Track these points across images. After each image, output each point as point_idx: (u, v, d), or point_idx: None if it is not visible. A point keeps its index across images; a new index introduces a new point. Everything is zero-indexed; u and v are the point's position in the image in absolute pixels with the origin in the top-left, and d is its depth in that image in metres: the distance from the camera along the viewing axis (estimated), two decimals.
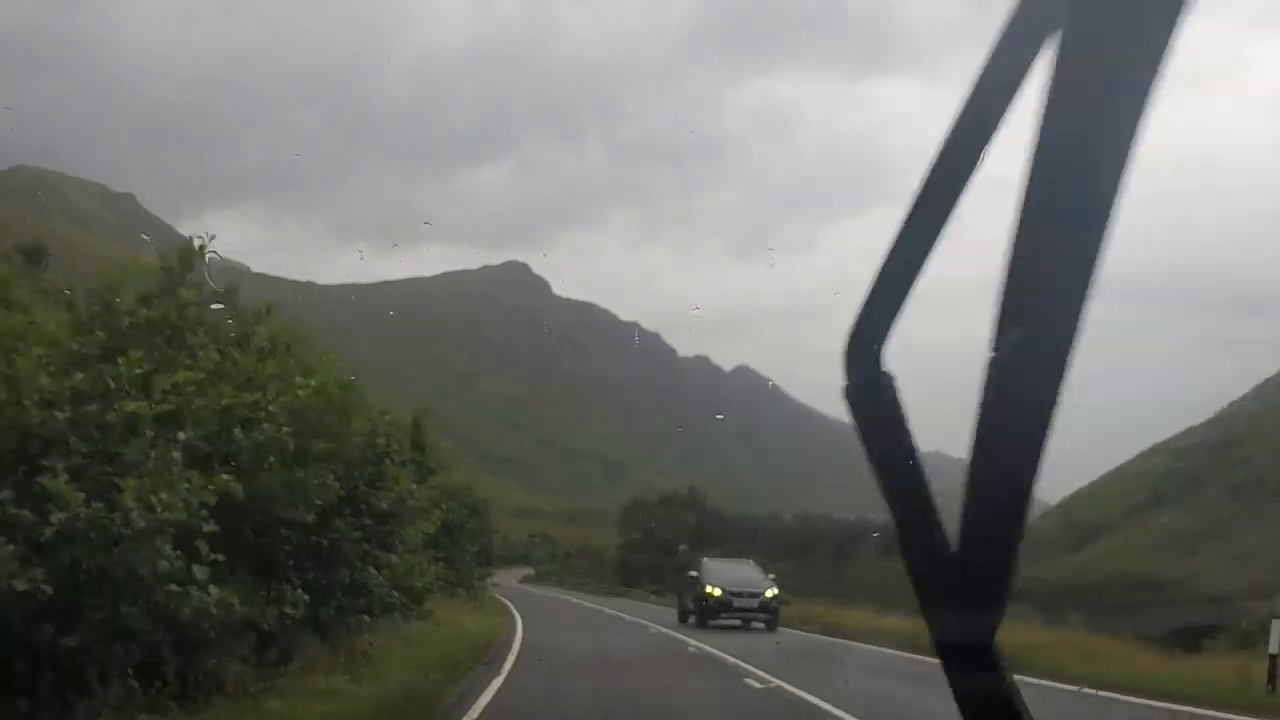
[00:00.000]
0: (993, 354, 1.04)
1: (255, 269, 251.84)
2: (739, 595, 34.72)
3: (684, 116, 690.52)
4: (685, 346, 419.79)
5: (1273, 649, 17.16)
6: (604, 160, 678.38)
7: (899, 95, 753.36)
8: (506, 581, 77.38)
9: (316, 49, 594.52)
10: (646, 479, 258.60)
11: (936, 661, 1.17)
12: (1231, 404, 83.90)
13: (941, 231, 1.27)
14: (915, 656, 20.81)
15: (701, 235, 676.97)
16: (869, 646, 28.14)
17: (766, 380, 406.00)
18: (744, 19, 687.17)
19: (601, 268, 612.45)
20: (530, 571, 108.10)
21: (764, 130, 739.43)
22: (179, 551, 9.87)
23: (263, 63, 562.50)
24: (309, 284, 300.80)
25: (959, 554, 1.12)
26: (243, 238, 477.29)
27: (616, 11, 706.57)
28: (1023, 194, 0.99)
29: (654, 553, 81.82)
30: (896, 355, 1.40)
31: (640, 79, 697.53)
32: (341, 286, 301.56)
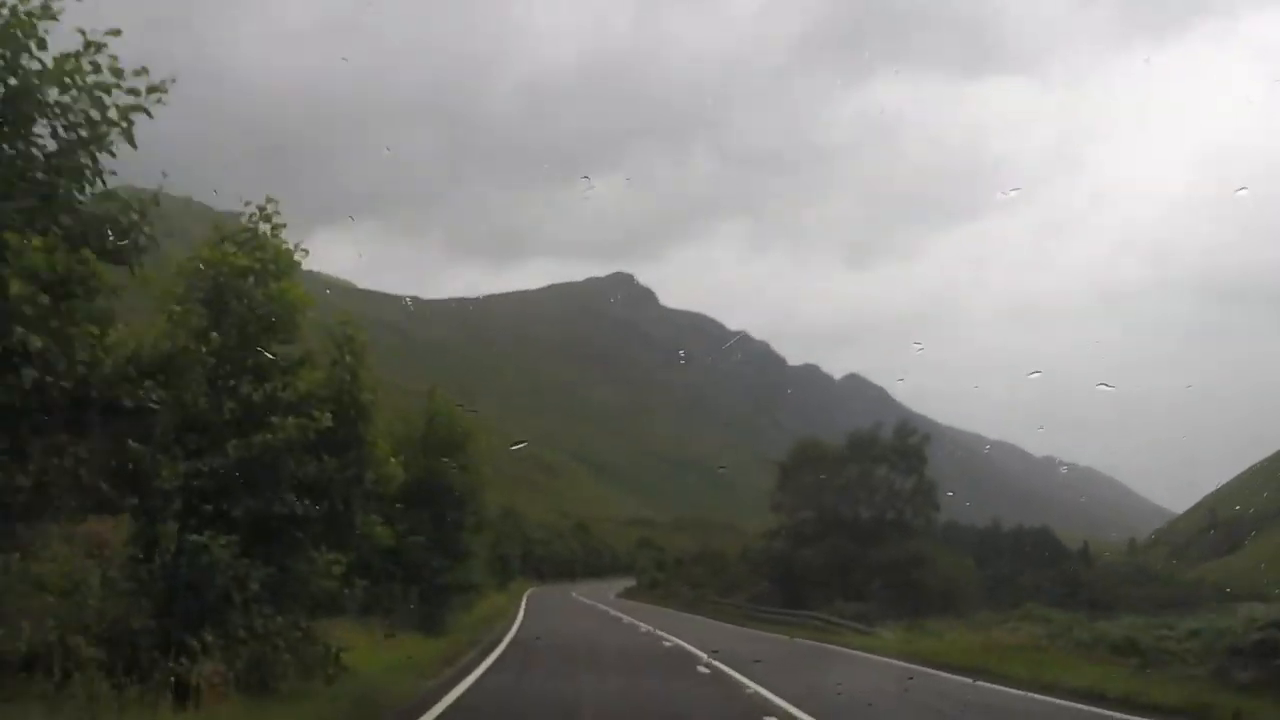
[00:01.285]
0: None
1: (361, 285, 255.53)
2: None
3: (792, 125, 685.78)
4: (795, 355, 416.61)
5: None
6: (713, 171, 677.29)
7: (1006, 96, 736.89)
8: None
9: (426, 68, 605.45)
10: (759, 487, 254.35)
11: None
12: None
13: None
14: None
15: (812, 244, 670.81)
16: None
17: (879, 388, 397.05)
18: (850, 25, 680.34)
19: (710, 278, 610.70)
20: (631, 583, 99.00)
21: (872, 136, 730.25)
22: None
23: (373, 83, 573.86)
24: (415, 299, 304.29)
25: None
26: (352, 256, 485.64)
27: (724, 22, 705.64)
28: None
29: (846, 539, 52.78)
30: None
31: (748, 89, 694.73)
32: (447, 301, 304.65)
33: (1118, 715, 16.65)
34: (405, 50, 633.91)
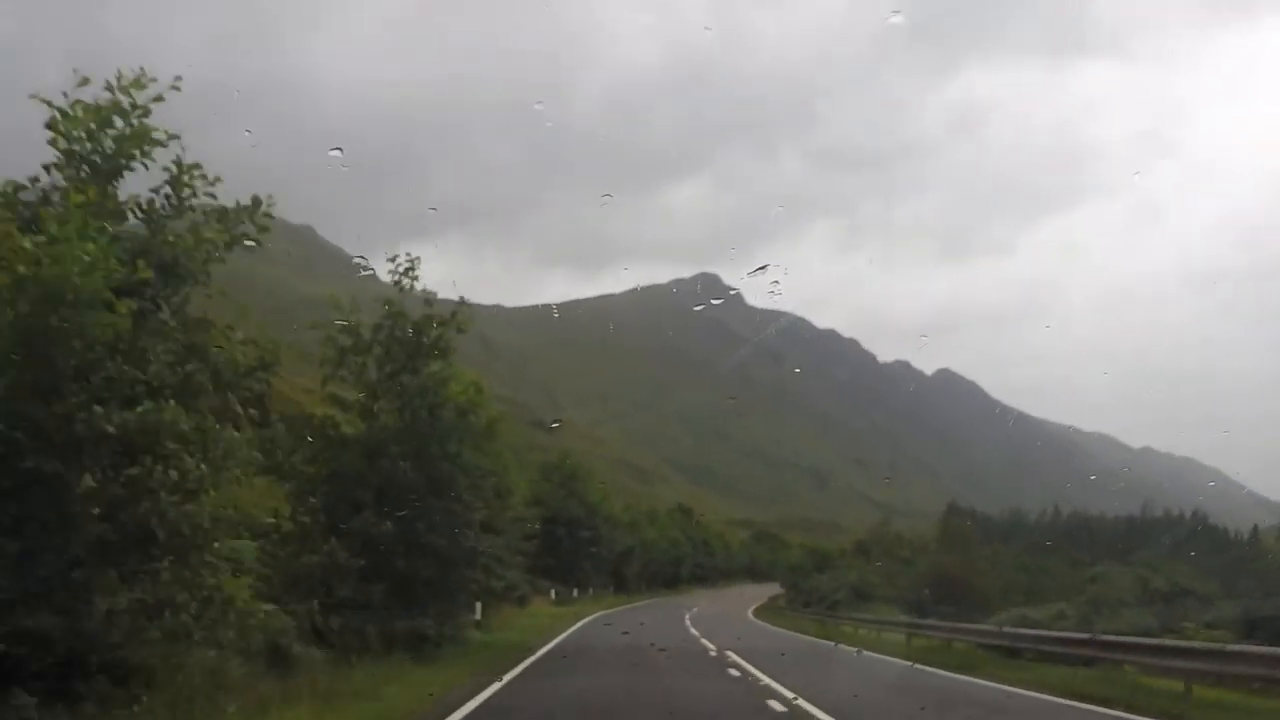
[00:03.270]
0: None
1: (442, 295, 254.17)
2: None
3: (881, 120, 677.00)
4: (885, 352, 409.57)
5: None
6: (801, 169, 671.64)
7: (1096, 81, 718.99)
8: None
9: (508, 79, 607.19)
10: (856, 487, 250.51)
11: None
12: None
13: None
14: None
15: (904, 240, 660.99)
16: None
17: (971, 383, 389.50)
18: (937, 15, 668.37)
19: (799, 277, 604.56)
20: (775, 589, 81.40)
21: (962, 128, 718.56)
22: None
23: (454, 94, 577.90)
24: (497, 307, 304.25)
25: None
26: (440, 268, 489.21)
27: (806, 18, 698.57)
28: None
29: None
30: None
31: (834, 84, 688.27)
32: (531, 309, 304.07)
33: None
34: (486, 59, 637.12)
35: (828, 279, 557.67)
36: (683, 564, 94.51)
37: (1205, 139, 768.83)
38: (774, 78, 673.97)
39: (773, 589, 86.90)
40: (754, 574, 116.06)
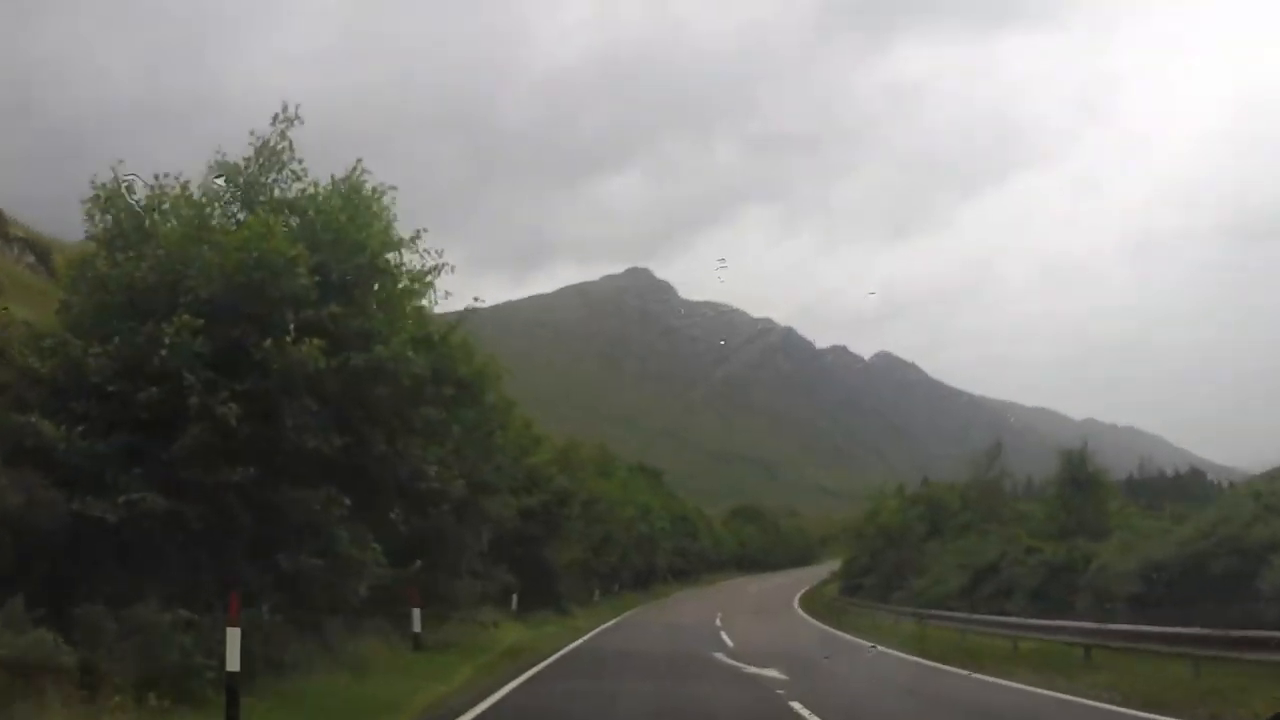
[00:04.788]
0: None
1: None
2: None
3: (815, 103, 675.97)
4: (823, 338, 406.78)
5: None
6: (737, 158, 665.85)
7: (1030, 53, 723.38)
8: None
9: (439, 80, 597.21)
10: (807, 476, 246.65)
11: None
12: None
13: None
14: None
15: (842, 224, 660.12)
16: None
17: (911, 364, 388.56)
18: None
19: (733, 268, 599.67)
20: (832, 567, 69.30)
21: (897, 108, 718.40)
22: None
23: (386, 100, 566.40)
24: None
25: None
26: None
27: (739, 1, 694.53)
28: None
29: None
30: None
31: (768, 69, 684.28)
32: (466, 312, 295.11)
33: None
34: (417, 62, 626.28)
35: (763, 269, 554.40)
36: (658, 549, 65.51)
37: (1141, 107, 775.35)
38: (707, 65, 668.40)
39: (793, 581, 77.10)
40: (745, 564, 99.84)
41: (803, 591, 66.47)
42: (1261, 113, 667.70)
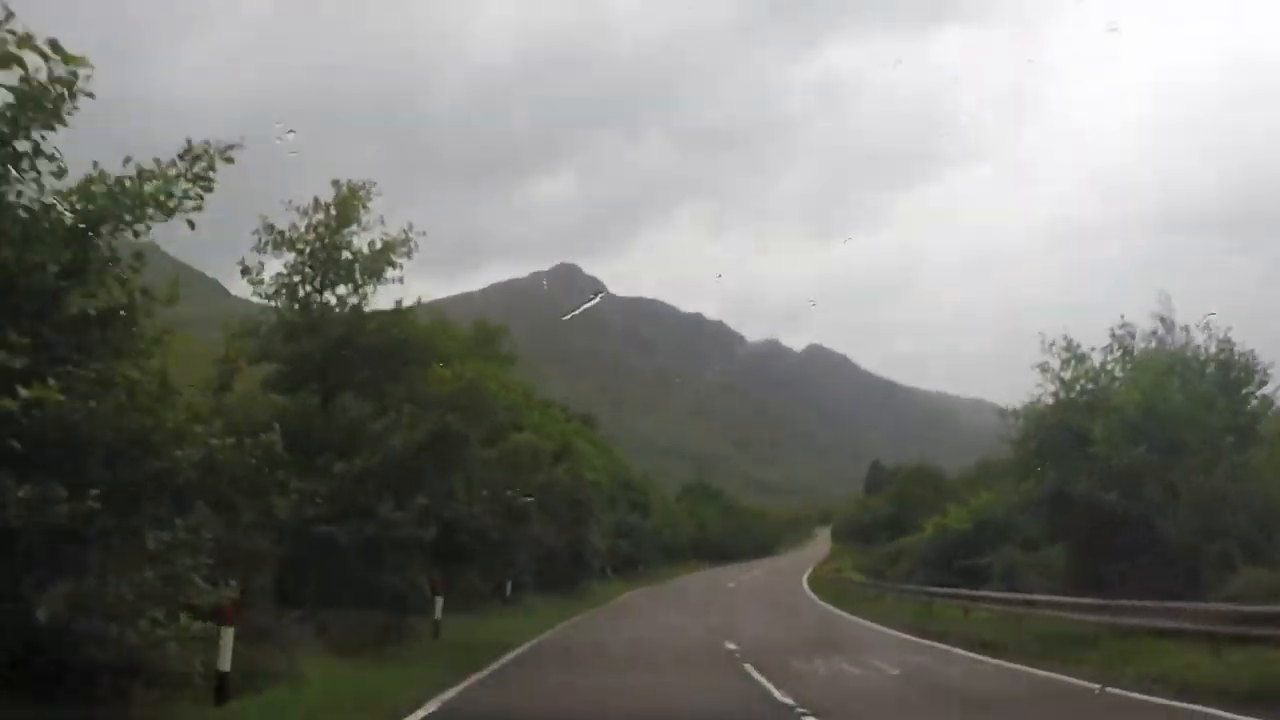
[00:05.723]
0: None
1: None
2: None
3: (746, 99, 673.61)
4: (754, 332, 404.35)
5: None
6: (667, 155, 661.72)
7: (958, 45, 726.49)
8: None
9: (365, 80, 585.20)
10: (740, 469, 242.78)
11: None
12: None
13: None
14: None
15: (774, 219, 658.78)
16: None
17: (842, 356, 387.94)
18: None
19: (664, 265, 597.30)
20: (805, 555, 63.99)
21: (829, 101, 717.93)
22: None
23: (313, 99, 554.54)
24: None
25: None
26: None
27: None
28: None
29: None
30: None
31: (697, 66, 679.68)
32: (378, 314, 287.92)
33: None
34: (344, 60, 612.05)
35: (694, 265, 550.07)
36: (590, 519, 45.02)
37: (1070, 95, 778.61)
38: (638, 61, 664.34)
39: (783, 570, 68.82)
40: (706, 553, 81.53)
41: (807, 575, 55.55)
42: (1183, 101, 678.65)
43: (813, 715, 12.17)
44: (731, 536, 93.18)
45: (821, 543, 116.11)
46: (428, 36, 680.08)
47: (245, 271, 20.68)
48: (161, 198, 10.60)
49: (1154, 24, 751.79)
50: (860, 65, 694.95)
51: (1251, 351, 26.06)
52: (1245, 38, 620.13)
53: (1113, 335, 28.23)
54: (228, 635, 12.07)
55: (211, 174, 10.83)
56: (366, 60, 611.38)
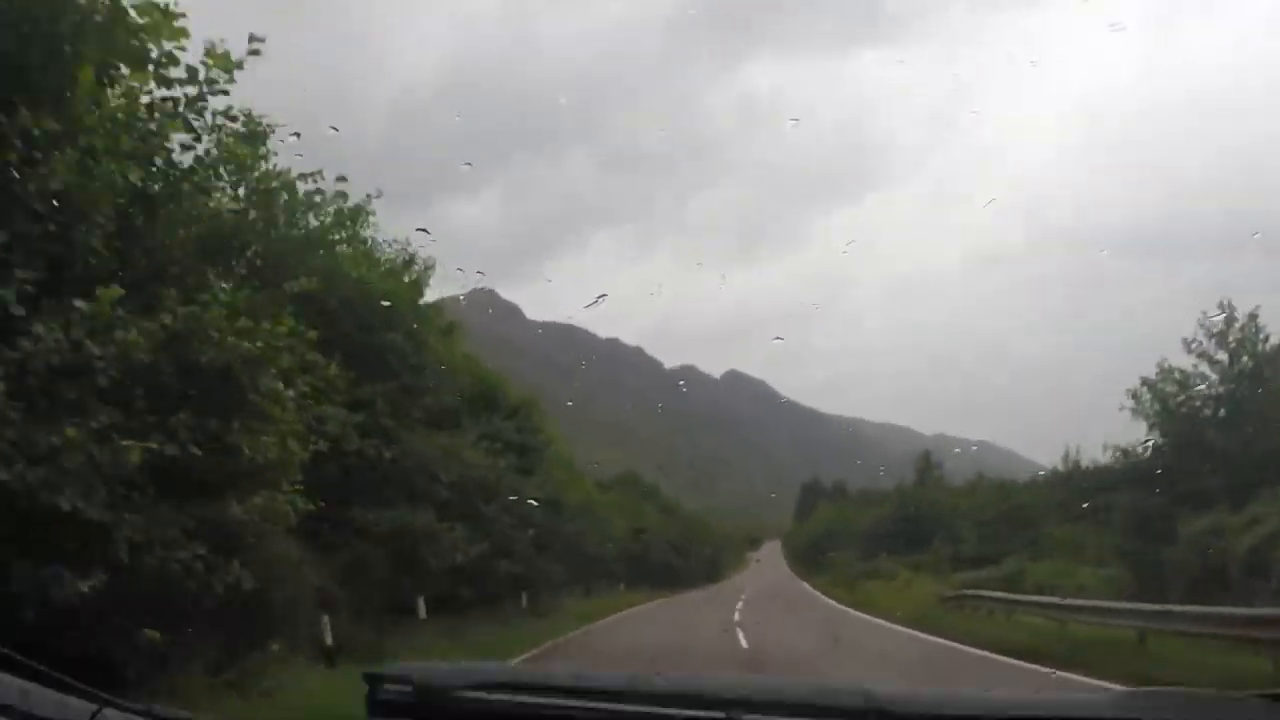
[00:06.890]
0: None
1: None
2: None
3: (669, 119, 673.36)
4: (671, 358, 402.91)
5: None
6: (589, 175, 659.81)
7: (879, 68, 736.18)
8: None
9: (284, 98, 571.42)
10: (664, 494, 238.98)
11: None
12: None
13: None
14: None
15: (694, 242, 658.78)
16: None
17: (760, 382, 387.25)
18: (720, 9, 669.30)
19: (580, 287, 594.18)
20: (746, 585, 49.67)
21: (751, 123, 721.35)
22: None
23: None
24: None
25: None
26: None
27: (594, 20, 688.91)
28: None
29: None
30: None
31: (621, 87, 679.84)
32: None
33: None
34: (261, 80, 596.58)
35: (615, 290, 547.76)
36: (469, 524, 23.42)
37: (989, 119, 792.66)
38: (561, 81, 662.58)
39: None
40: (645, 574, 56.41)
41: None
42: (1100, 122, 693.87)
43: None
44: (677, 552, 68.03)
45: (769, 565, 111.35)
46: (348, 55, 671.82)
47: None
48: None
49: (1072, 54, 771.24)
50: (787, 86, 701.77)
51: None
52: (1167, 60, 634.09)
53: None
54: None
55: None
56: (287, 75, 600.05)
